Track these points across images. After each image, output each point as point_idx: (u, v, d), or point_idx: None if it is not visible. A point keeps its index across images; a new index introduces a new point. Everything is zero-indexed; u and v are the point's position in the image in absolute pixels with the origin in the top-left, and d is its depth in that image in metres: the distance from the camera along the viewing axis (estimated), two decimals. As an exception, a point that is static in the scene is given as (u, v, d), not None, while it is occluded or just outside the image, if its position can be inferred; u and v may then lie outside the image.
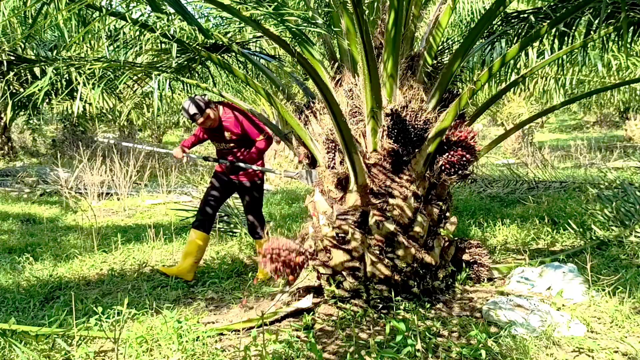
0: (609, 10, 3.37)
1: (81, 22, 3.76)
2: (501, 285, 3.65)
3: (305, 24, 2.34)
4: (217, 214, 4.39)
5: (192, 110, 3.82)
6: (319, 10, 3.77)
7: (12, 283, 3.86)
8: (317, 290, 3.53)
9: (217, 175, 4.20)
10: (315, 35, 3.93)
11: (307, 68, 2.68)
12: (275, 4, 2.28)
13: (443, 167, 3.27)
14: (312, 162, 3.65)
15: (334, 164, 3.32)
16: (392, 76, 3.17)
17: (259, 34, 4.14)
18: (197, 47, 3.66)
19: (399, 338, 2.61)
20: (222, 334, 2.91)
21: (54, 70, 3.32)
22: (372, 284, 3.25)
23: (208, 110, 3.85)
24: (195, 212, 4.32)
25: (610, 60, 6.42)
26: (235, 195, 4.30)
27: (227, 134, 4.02)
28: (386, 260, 3.18)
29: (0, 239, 5.37)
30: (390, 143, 3.11)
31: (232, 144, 4.07)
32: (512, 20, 3.83)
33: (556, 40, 3.80)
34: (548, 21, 3.32)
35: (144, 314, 3.02)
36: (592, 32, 3.51)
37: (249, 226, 4.19)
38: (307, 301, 3.20)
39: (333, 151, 3.33)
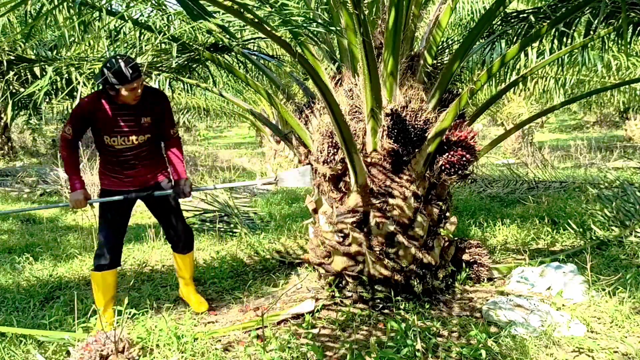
0: (608, 10, 3.37)
1: (81, 22, 3.75)
2: (501, 285, 3.65)
3: (309, 23, 2.34)
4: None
5: (129, 69, 2.67)
6: (319, 10, 3.77)
7: (12, 283, 3.86)
8: (318, 291, 3.53)
9: (109, 194, 3.00)
10: (315, 35, 3.92)
11: (307, 68, 2.68)
12: (279, 4, 2.28)
13: (443, 167, 3.27)
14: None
15: (334, 162, 3.32)
16: (392, 76, 3.17)
17: (258, 34, 4.14)
18: (198, 47, 3.66)
19: (398, 338, 2.61)
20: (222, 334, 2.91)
21: (54, 70, 3.32)
22: (372, 284, 3.25)
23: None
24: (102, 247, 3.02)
25: (610, 60, 6.41)
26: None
27: (145, 119, 2.88)
28: (386, 260, 3.19)
29: (0, 239, 5.37)
30: (390, 143, 3.11)
31: (146, 137, 2.94)
32: (512, 20, 3.83)
33: (556, 40, 3.80)
34: (548, 21, 3.32)
35: (144, 314, 3.02)
36: (591, 32, 3.51)
37: (180, 237, 3.20)
38: (309, 304, 3.19)
39: (334, 149, 3.32)
